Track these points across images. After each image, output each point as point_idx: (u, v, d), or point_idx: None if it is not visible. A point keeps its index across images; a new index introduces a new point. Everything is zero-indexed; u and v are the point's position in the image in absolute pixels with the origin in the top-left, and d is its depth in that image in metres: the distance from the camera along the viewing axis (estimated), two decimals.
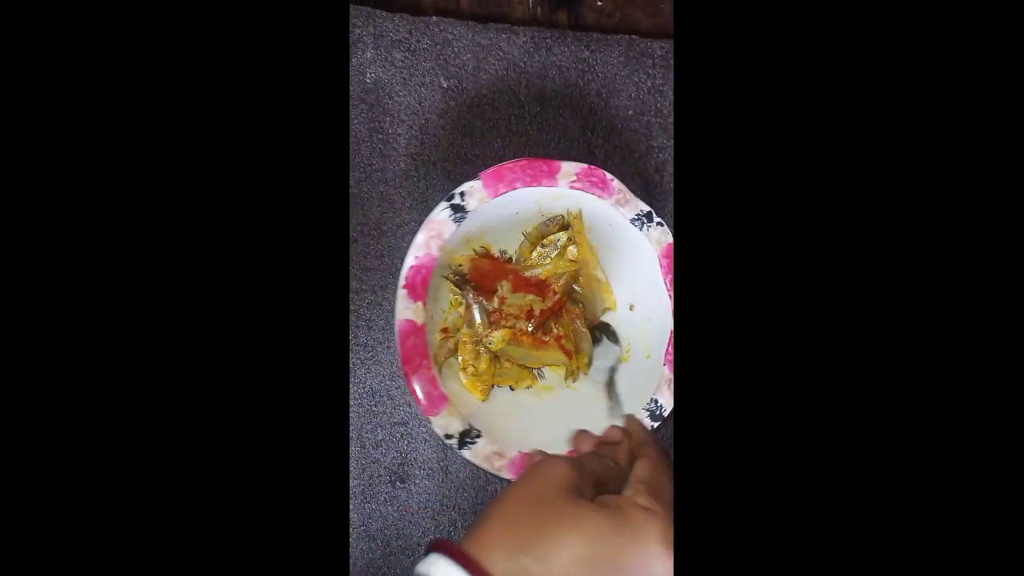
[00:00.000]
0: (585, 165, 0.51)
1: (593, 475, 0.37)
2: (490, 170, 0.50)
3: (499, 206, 0.51)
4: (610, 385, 0.55)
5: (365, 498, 0.58)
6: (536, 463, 0.38)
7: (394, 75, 0.59)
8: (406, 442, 0.58)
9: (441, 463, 0.58)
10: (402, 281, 0.49)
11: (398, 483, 0.58)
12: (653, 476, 0.37)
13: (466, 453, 0.49)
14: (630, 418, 0.47)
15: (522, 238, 0.58)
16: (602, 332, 0.58)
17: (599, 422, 0.52)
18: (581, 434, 0.45)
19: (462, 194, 0.49)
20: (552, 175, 0.51)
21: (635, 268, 0.56)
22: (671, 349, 0.53)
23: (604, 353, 0.57)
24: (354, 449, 0.57)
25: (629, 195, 0.52)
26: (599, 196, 0.52)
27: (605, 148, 0.60)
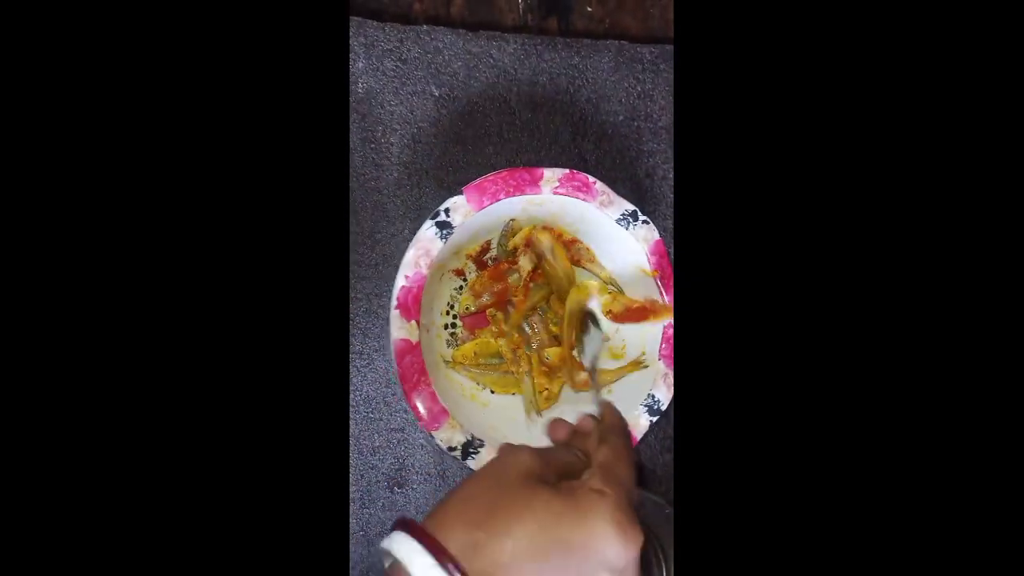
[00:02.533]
0: (567, 170, 0.52)
1: (558, 464, 0.38)
2: (473, 184, 0.50)
3: (487, 215, 0.52)
4: (594, 372, 0.56)
5: (363, 504, 0.58)
6: (502, 452, 0.39)
7: (386, 84, 0.58)
8: (403, 448, 0.59)
9: (438, 467, 0.59)
10: (393, 303, 0.49)
11: (396, 488, 0.59)
12: (610, 460, 0.38)
13: (470, 463, 0.50)
14: (604, 404, 0.48)
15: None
16: (588, 318, 0.59)
17: None
18: (556, 422, 0.46)
19: (447, 210, 0.50)
20: (535, 183, 0.51)
21: (624, 266, 0.57)
22: (665, 344, 0.54)
23: (590, 339, 0.58)
24: (352, 456, 0.58)
25: (613, 196, 0.53)
26: (583, 199, 0.52)
27: (596, 154, 0.61)
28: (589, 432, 0.44)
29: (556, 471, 0.38)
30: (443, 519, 0.35)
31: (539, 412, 0.57)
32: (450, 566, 0.32)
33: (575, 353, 0.58)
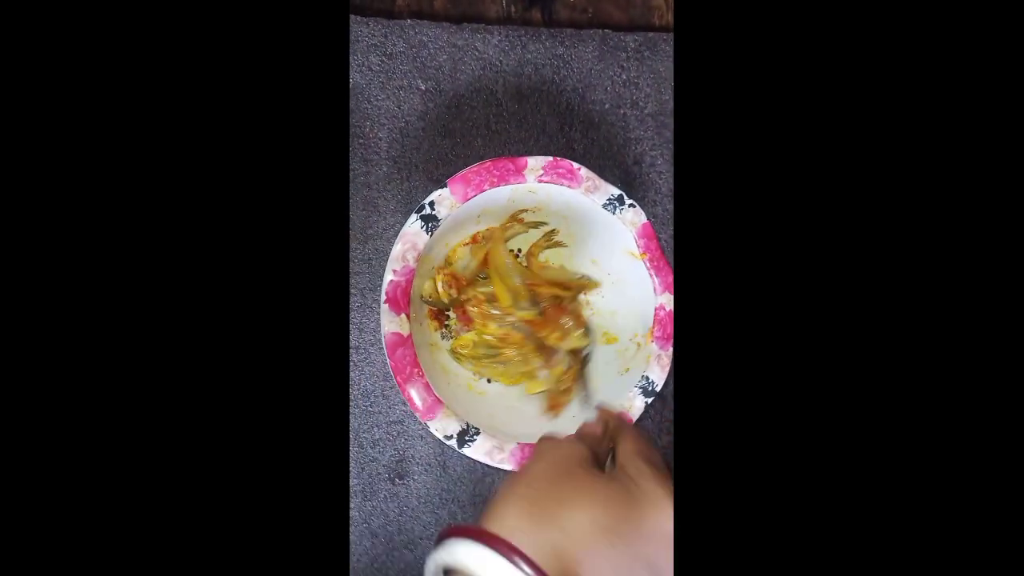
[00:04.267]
0: (551, 158, 0.52)
1: (595, 452, 0.39)
2: (457, 176, 0.51)
3: (472, 205, 0.52)
4: (581, 376, 0.56)
5: (365, 496, 0.59)
6: (545, 444, 0.40)
7: (371, 80, 0.59)
8: (403, 440, 0.59)
9: (439, 458, 0.60)
10: (383, 296, 0.50)
11: (397, 480, 0.59)
12: (641, 448, 0.39)
13: (466, 451, 0.50)
14: (602, 408, 0.48)
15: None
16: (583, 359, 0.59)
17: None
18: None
19: (432, 204, 0.50)
20: (519, 172, 0.52)
21: (612, 251, 0.57)
22: (657, 326, 0.55)
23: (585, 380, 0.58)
24: (352, 449, 0.58)
25: (599, 181, 0.53)
26: (568, 186, 0.53)
27: (584, 142, 0.61)
28: (598, 435, 0.44)
29: (596, 458, 0.39)
30: (508, 518, 0.34)
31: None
32: (529, 568, 0.31)
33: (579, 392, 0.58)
